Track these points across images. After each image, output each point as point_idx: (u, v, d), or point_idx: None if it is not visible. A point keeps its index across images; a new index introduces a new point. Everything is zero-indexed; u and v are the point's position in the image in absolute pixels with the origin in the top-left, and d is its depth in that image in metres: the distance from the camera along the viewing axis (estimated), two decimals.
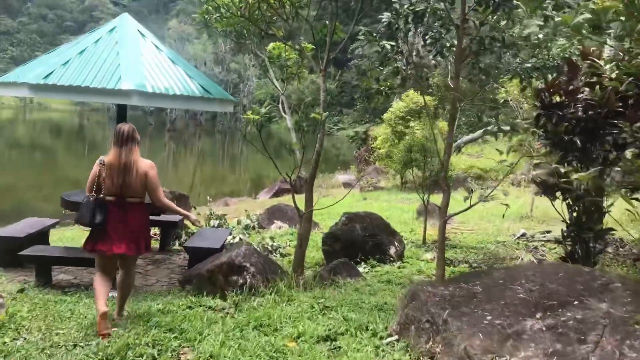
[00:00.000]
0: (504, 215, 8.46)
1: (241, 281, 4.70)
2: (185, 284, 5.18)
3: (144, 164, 4.04)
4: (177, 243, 7.59)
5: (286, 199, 15.47)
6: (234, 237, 8.39)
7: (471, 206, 4.96)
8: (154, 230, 7.83)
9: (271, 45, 6.07)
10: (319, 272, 5.79)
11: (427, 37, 5.84)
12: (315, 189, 19.03)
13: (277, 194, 17.16)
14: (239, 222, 9.26)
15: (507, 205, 5.43)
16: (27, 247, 5.77)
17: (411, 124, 15.28)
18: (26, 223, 6.11)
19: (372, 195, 14.48)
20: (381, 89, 6.06)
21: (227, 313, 4.30)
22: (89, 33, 5.55)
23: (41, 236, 6.01)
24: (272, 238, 7.95)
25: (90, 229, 4.04)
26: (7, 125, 51.09)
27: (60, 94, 4.79)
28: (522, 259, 6.94)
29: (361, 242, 6.84)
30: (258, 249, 7.66)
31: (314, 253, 7.73)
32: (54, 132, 47.95)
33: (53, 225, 6.42)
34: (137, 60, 5.17)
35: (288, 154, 5.03)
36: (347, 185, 18.37)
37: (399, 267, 6.74)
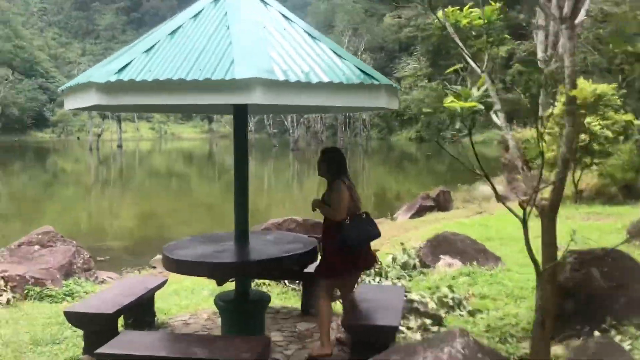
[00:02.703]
0: None
1: None
2: None
3: None
4: None
5: (431, 220, 13.07)
6: (393, 283, 6.24)
7: None
8: (294, 286, 5.92)
9: (450, 9, 3.92)
10: None
11: None
12: (463, 204, 16.03)
13: (419, 212, 14.77)
14: (394, 259, 7.09)
15: None
16: (129, 320, 4.11)
17: (588, 119, 12.24)
18: (122, 287, 4.42)
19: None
20: None
21: None
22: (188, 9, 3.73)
23: (141, 307, 4.29)
24: (450, 286, 5.66)
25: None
26: (146, 156, 54.16)
27: (139, 95, 2.95)
28: None
29: (606, 298, 4.36)
30: (434, 303, 5.46)
31: (511, 306, 5.39)
32: (187, 160, 49.79)
33: (159, 287, 4.68)
34: (258, 35, 3.24)
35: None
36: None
37: None
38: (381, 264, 6.77)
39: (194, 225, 15.76)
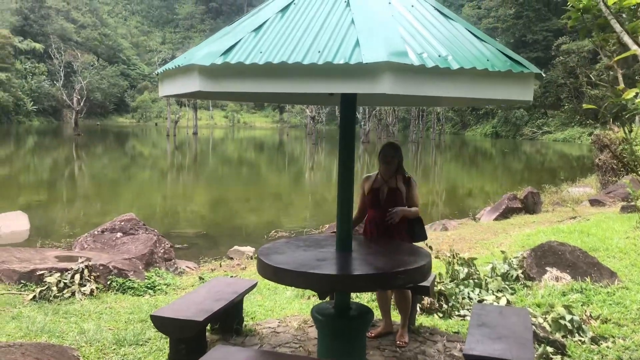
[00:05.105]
0: None
1: None
2: None
3: None
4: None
5: (520, 223, 12.15)
6: (497, 298, 5.62)
7: None
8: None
9: None
10: None
11: None
12: (552, 207, 14.80)
13: (504, 214, 13.83)
14: (494, 269, 6.44)
15: None
16: (215, 325, 3.76)
17: None
18: (210, 290, 4.07)
19: None
20: None
21: None
22: None
23: (229, 311, 3.93)
24: (568, 307, 4.96)
25: None
26: (220, 143, 55.28)
27: (247, 81, 2.53)
28: None
29: None
30: (548, 325, 4.82)
31: None
32: (258, 148, 50.36)
33: (249, 291, 4.31)
34: (383, 12, 2.75)
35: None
36: (595, 202, 14.34)
37: None
38: (479, 273, 6.16)
39: (265, 216, 15.62)
